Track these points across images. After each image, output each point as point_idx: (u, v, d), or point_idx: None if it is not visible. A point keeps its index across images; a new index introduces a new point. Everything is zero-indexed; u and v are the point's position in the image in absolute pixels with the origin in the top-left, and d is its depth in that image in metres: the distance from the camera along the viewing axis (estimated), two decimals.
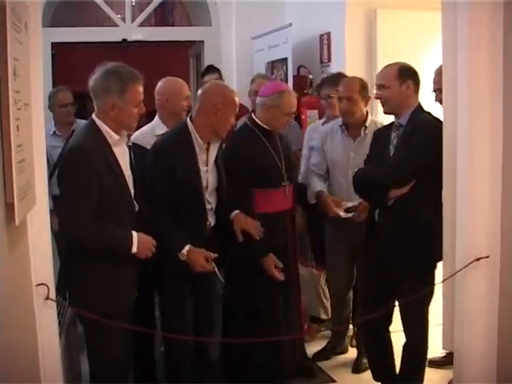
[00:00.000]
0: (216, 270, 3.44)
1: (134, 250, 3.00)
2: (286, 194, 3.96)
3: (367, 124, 4.30)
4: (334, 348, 4.64)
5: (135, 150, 3.56)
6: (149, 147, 3.71)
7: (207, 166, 3.56)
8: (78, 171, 2.88)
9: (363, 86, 4.29)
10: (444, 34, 2.99)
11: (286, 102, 3.86)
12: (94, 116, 3.06)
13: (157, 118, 4.14)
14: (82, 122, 4.81)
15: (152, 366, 4.03)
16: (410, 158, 3.42)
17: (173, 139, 3.54)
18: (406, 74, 3.55)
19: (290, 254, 4.02)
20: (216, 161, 3.62)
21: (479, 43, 2.75)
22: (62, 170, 3.00)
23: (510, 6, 2.69)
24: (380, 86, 3.58)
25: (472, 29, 2.75)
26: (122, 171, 3.06)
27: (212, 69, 5.89)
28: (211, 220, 3.61)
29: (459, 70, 2.83)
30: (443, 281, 3.01)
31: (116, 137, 3.04)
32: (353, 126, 4.32)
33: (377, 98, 3.64)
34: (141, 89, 3.06)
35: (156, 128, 4.06)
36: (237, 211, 3.68)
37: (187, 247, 3.34)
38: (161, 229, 3.32)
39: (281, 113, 3.87)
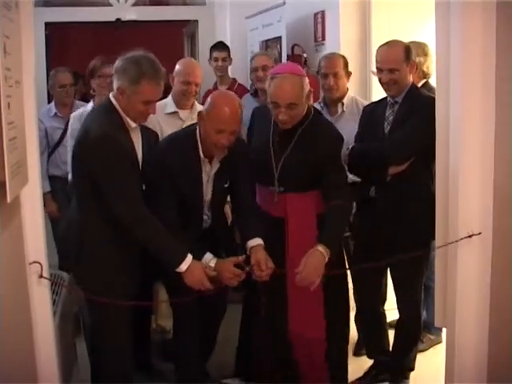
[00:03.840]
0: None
1: (183, 268, 3.01)
2: (275, 200, 3.40)
3: (344, 100, 4.31)
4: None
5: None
6: (156, 126, 3.75)
7: (209, 176, 3.37)
8: (115, 158, 2.92)
9: (346, 62, 4.30)
10: (437, 19, 2.96)
11: (271, 87, 3.27)
12: (111, 96, 3.08)
13: (170, 95, 4.17)
14: (80, 104, 4.81)
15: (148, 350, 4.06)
16: (415, 135, 3.42)
17: (178, 149, 3.32)
18: (410, 54, 3.54)
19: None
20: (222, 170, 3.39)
21: (472, 28, 2.73)
22: (95, 157, 2.93)
23: None
24: (391, 70, 3.50)
25: (465, 14, 2.73)
26: (137, 157, 3.10)
27: (221, 45, 5.75)
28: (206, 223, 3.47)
29: (452, 56, 2.82)
30: (437, 248, 3.02)
31: (133, 124, 3.06)
32: (332, 102, 4.32)
33: (386, 81, 3.54)
34: (155, 88, 3.00)
35: (167, 105, 4.11)
36: (259, 242, 3.27)
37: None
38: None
39: (269, 100, 3.32)
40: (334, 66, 4.25)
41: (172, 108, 4.12)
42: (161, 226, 3.00)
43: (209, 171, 3.35)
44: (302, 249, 3.11)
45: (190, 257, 3.03)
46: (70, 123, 4.36)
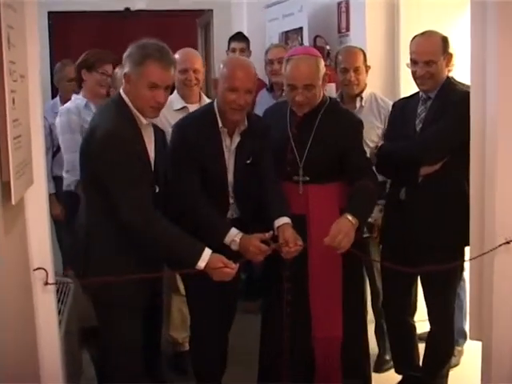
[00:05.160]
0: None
1: (201, 265, 2.97)
2: (299, 191, 3.52)
3: (363, 95, 4.34)
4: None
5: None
6: (165, 123, 3.77)
7: (230, 151, 3.43)
8: (123, 157, 2.91)
9: (365, 56, 4.34)
10: (473, 12, 2.96)
11: (286, 69, 3.44)
12: (121, 90, 3.09)
13: (175, 91, 4.20)
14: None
15: (158, 356, 4.09)
16: (449, 133, 3.42)
17: (196, 122, 3.44)
18: (447, 46, 3.54)
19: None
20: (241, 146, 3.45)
21: (510, 21, 2.72)
22: (101, 157, 2.93)
23: None
24: (428, 62, 3.51)
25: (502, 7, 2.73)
26: (149, 157, 3.10)
27: (240, 37, 5.84)
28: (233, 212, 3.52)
29: (488, 50, 2.81)
30: (470, 259, 3.00)
31: (145, 121, 3.06)
32: (349, 98, 4.35)
33: (421, 75, 3.54)
34: (162, 71, 2.98)
35: (174, 102, 4.13)
36: (286, 220, 3.33)
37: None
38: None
39: (285, 83, 3.49)
40: (355, 61, 4.29)
41: (180, 104, 4.17)
42: (173, 227, 3.00)
43: (229, 145, 3.42)
44: (324, 247, 3.16)
45: (207, 252, 2.99)
46: (57, 119, 4.36)
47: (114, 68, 4.41)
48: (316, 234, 3.37)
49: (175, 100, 4.15)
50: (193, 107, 4.09)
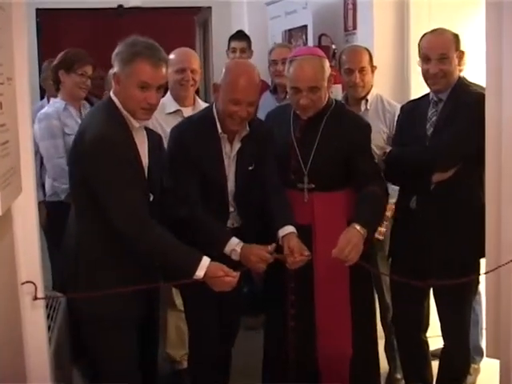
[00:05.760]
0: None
1: (200, 274, 2.95)
2: (304, 199, 3.52)
3: (368, 97, 4.34)
4: None
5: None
6: (157, 127, 3.77)
7: (230, 158, 3.43)
8: (114, 163, 2.89)
9: (371, 56, 4.35)
10: (488, 12, 2.93)
11: (290, 71, 3.43)
12: (111, 92, 3.07)
13: (168, 93, 4.18)
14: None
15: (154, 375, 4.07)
16: (463, 137, 3.38)
17: (195, 127, 3.43)
18: (459, 43, 3.53)
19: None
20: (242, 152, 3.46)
21: None
22: (91, 162, 2.91)
23: None
24: (441, 58, 3.48)
25: None
26: (141, 162, 3.07)
27: (241, 35, 5.83)
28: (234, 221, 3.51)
29: (505, 50, 2.79)
30: (486, 273, 2.98)
31: (137, 124, 3.04)
32: (354, 100, 4.35)
33: (435, 72, 3.50)
34: (152, 69, 2.95)
35: (167, 105, 4.11)
36: (291, 230, 3.32)
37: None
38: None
39: (289, 86, 3.47)
40: (360, 61, 4.29)
41: (173, 107, 4.14)
42: (169, 235, 2.99)
43: (229, 152, 3.42)
44: (330, 258, 3.14)
45: (205, 260, 2.98)
46: (36, 125, 4.30)
47: (94, 69, 4.40)
48: (322, 245, 3.36)
49: (168, 102, 4.13)
50: (187, 110, 4.10)
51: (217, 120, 3.36)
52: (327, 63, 3.44)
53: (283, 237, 3.29)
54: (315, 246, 3.41)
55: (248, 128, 3.39)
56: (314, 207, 3.47)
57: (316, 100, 3.40)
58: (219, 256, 3.11)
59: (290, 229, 3.30)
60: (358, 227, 3.16)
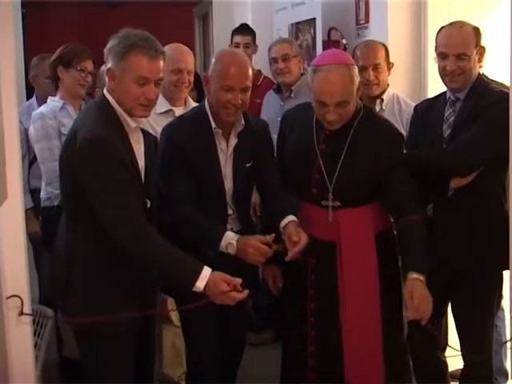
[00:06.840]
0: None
1: (200, 285, 2.94)
2: (329, 218, 3.41)
3: (384, 96, 4.36)
4: None
5: None
6: (148, 127, 3.77)
7: (226, 155, 3.46)
8: (108, 166, 2.89)
9: (387, 52, 4.36)
10: None
11: (314, 82, 3.29)
12: (105, 90, 3.09)
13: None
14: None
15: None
16: (484, 140, 3.37)
17: (187, 124, 3.47)
18: (480, 38, 3.52)
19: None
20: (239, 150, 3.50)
21: None
22: (83, 166, 2.92)
23: None
24: (460, 56, 3.46)
25: None
26: (137, 165, 3.09)
27: (245, 29, 5.85)
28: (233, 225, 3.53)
29: None
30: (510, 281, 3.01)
31: (133, 124, 3.07)
32: (368, 99, 4.36)
33: (452, 70, 3.48)
34: (149, 62, 2.97)
35: (157, 104, 4.10)
36: (291, 218, 3.34)
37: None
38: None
39: (313, 98, 3.33)
40: (375, 57, 4.31)
41: (164, 106, 4.15)
42: (167, 244, 2.99)
43: (225, 149, 3.46)
44: (358, 279, 3.17)
45: (206, 270, 2.96)
46: (31, 126, 4.34)
47: (94, 65, 4.43)
48: (349, 263, 3.34)
49: (159, 102, 4.14)
50: (178, 110, 4.13)
51: (210, 115, 3.40)
52: (356, 70, 3.32)
53: (284, 228, 3.31)
54: (341, 262, 3.37)
55: (243, 122, 3.43)
56: (341, 226, 3.38)
57: (344, 114, 3.30)
58: (218, 264, 3.07)
59: (289, 218, 3.31)
60: (418, 276, 3.10)
